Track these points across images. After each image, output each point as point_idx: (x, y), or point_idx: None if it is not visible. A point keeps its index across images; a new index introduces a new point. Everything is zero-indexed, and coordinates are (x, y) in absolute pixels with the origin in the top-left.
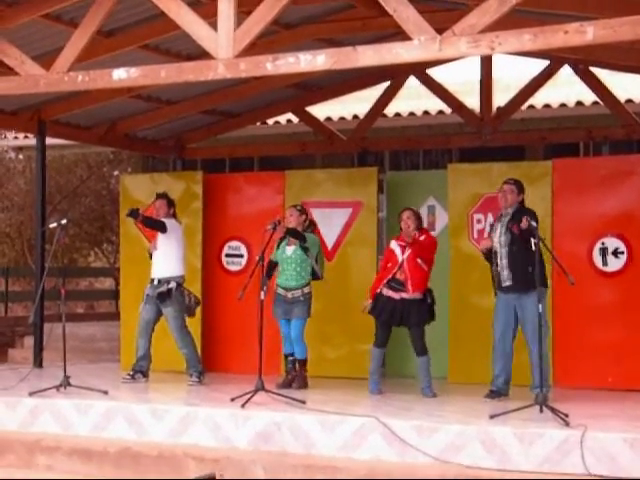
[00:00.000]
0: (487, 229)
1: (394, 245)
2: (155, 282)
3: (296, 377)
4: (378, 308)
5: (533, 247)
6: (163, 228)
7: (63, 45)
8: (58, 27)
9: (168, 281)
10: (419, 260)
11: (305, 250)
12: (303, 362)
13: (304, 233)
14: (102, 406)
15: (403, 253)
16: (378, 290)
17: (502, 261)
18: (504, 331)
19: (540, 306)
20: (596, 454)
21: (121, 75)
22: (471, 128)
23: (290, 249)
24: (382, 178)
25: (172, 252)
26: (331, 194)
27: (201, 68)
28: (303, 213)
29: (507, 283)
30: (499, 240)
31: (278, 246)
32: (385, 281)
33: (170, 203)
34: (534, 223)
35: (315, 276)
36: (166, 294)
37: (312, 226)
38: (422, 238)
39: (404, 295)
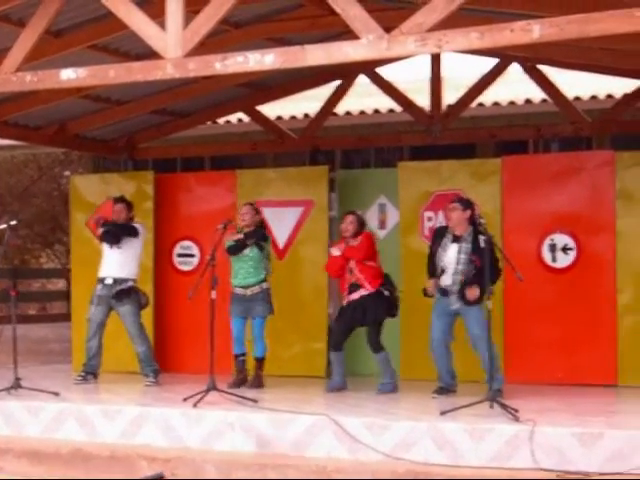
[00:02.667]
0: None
1: (335, 252)
2: (108, 281)
3: (253, 376)
4: (342, 315)
5: (482, 244)
6: (136, 233)
7: (11, 45)
8: (6, 27)
9: (125, 280)
10: (365, 262)
11: (261, 248)
12: (261, 361)
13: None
14: (53, 408)
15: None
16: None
17: (455, 276)
18: (441, 336)
19: (486, 309)
20: (545, 449)
21: (69, 75)
22: (421, 126)
23: (247, 249)
24: (333, 177)
25: (135, 255)
26: (282, 193)
27: (150, 68)
28: (258, 212)
29: (454, 297)
30: (454, 257)
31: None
32: (346, 293)
33: (129, 207)
34: (482, 220)
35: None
36: (126, 292)
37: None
38: (357, 243)
39: (362, 292)
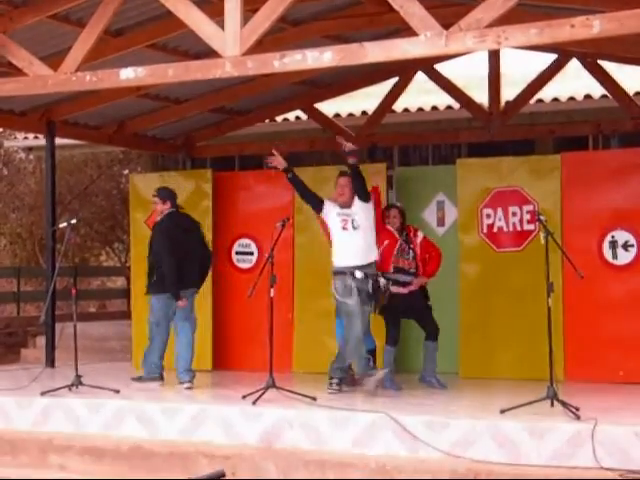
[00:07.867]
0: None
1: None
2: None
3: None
4: (391, 307)
5: (542, 240)
6: None
7: (71, 45)
8: (66, 27)
9: None
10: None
11: None
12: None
13: None
14: (114, 405)
15: (410, 237)
16: (384, 288)
17: None
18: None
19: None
20: (607, 447)
21: (128, 75)
22: (479, 123)
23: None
24: (391, 174)
25: None
26: None
27: (208, 66)
28: None
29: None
30: None
31: None
32: (392, 272)
33: None
34: (542, 217)
35: None
36: None
37: None
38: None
39: (411, 287)
